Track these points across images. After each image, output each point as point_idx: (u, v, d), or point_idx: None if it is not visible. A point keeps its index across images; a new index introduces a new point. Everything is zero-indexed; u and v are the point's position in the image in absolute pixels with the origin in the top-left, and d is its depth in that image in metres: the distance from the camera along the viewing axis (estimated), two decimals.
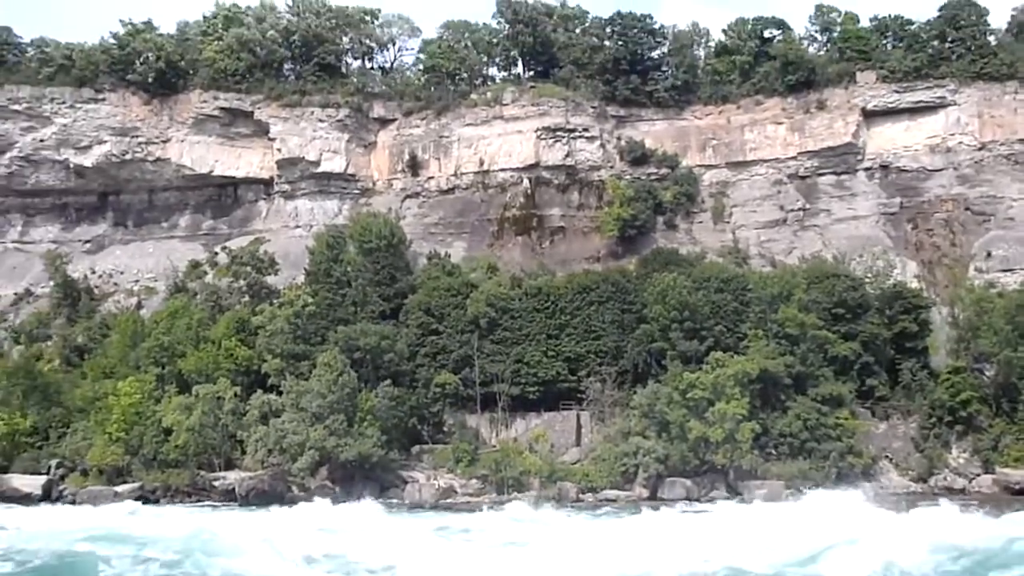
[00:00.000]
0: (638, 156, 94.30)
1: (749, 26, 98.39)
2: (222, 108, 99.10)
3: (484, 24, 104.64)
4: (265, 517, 49.61)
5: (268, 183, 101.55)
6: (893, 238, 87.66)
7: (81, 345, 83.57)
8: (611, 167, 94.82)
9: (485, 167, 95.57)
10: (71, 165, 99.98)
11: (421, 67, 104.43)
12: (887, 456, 64.97)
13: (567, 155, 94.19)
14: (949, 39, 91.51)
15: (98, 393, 70.11)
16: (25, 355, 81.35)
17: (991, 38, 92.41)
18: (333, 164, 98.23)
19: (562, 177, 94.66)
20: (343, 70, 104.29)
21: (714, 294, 69.68)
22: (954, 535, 35.80)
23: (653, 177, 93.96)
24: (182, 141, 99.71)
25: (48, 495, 64.58)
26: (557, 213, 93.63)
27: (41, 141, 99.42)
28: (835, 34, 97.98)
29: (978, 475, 61.90)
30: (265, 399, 66.04)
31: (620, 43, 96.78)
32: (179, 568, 34.88)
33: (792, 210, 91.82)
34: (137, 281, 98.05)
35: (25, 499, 63.04)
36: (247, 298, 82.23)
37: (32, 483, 65.70)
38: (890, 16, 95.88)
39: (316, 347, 69.41)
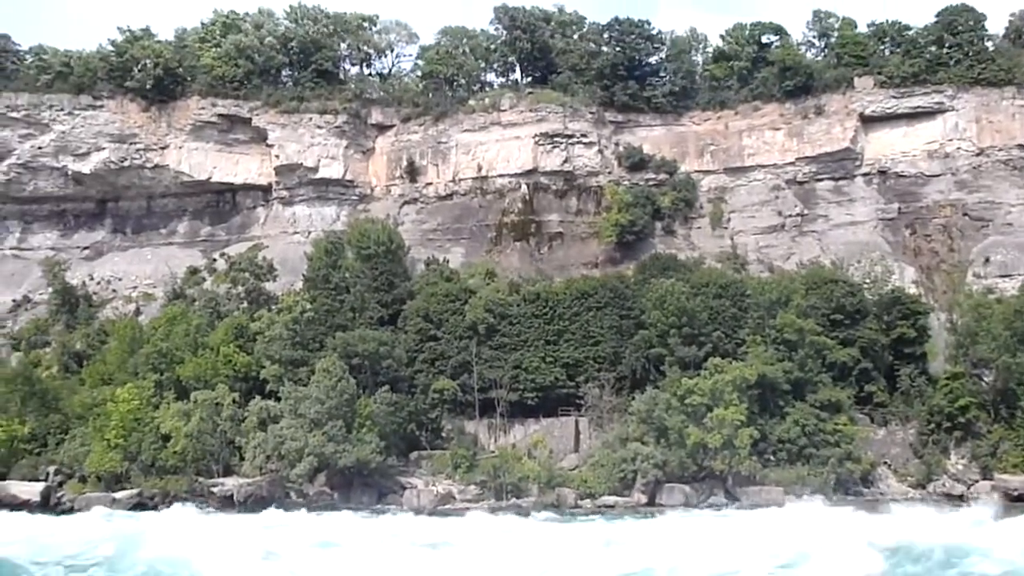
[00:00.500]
0: (636, 162, 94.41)
1: (747, 32, 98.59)
2: (220, 115, 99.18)
3: (482, 30, 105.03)
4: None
5: (266, 189, 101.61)
6: (891, 243, 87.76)
7: (80, 352, 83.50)
8: (609, 173, 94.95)
9: (483, 173, 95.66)
10: (69, 172, 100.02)
11: (419, 73, 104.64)
12: (886, 462, 64.90)
13: (565, 161, 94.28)
14: (947, 44, 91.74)
15: (96, 400, 70.05)
16: (24, 362, 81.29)
17: (989, 44, 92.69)
18: (331, 170, 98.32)
19: (560, 183, 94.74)
20: (341, 76, 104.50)
21: (712, 300, 69.70)
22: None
23: (651, 183, 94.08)
24: (180, 148, 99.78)
25: (47, 502, 64.36)
26: (555, 219, 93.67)
27: (39, 148, 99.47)
28: (833, 39, 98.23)
29: (977, 481, 61.79)
30: (263, 405, 65.98)
31: (618, 49, 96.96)
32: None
33: (790, 215, 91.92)
34: (135, 288, 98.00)
35: (23, 506, 62.84)
36: (245, 304, 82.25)
37: (30, 490, 65.49)
38: (888, 21, 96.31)
39: (314, 353, 69.38)
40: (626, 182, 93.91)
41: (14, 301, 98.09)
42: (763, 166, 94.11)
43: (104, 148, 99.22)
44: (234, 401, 66.32)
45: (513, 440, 68.70)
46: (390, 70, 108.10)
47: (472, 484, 63.67)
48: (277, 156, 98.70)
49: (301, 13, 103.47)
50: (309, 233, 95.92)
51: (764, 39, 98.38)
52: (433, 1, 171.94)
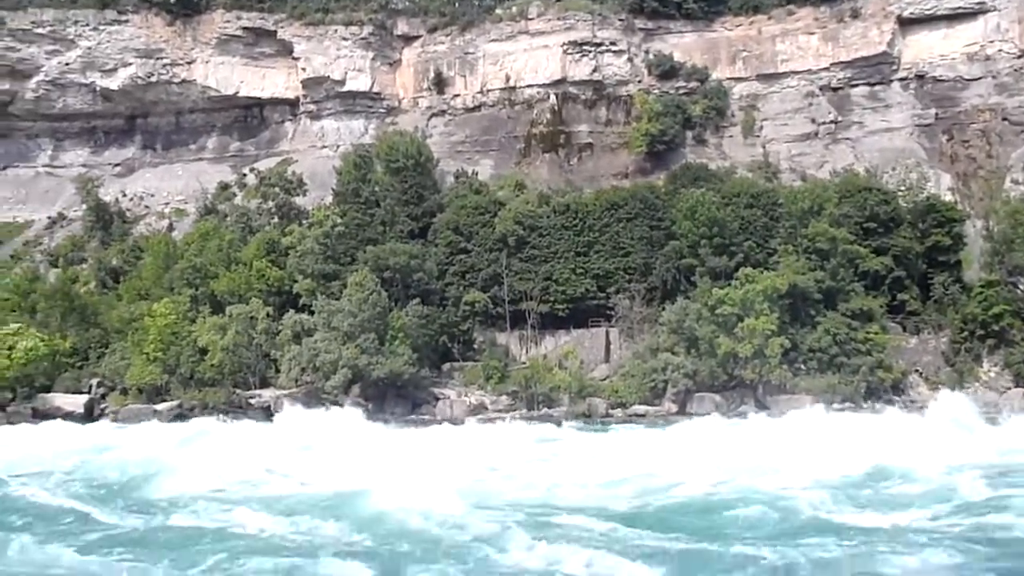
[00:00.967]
0: (667, 70, 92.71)
1: None
2: (245, 28, 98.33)
3: None
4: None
5: (294, 103, 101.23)
6: (928, 150, 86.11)
7: (115, 268, 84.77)
8: (639, 81, 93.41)
9: (511, 83, 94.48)
10: (97, 88, 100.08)
11: None
12: (917, 370, 64.79)
13: (594, 70, 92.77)
14: None
15: (134, 314, 71.31)
16: (62, 278, 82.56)
17: None
18: (358, 83, 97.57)
19: (589, 92, 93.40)
20: None
21: (744, 209, 69.02)
22: None
23: (682, 91, 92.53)
24: (207, 62, 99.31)
25: (90, 413, 66.16)
26: (585, 129, 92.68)
27: (67, 65, 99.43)
28: None
29: (1009, 388, 61.65)
30: (297, 319, 66.86)
31: None
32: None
33: (824, 123, 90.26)
34: (167, 204, 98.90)
35: (68, 417, 64.62)
36: (276, 219, 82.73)
37: (74, 402, 67.34)
38: None
39: (346, 267, 69.94)
40: (656, 91, 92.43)
41: (49, 218, 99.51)
42: (796, 72, 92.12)
43: (131, 64, 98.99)
44: (268, 315, 67.21)
45: (544, 351, 69.30)
46: None
47: (504, 395, 64.53)
48: (303, 69, 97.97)
49: None
50: (337, 147, 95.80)
51: None
52: None
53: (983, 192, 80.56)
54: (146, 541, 24.31)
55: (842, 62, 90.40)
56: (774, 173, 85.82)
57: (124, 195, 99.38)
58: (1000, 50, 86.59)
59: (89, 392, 68.99)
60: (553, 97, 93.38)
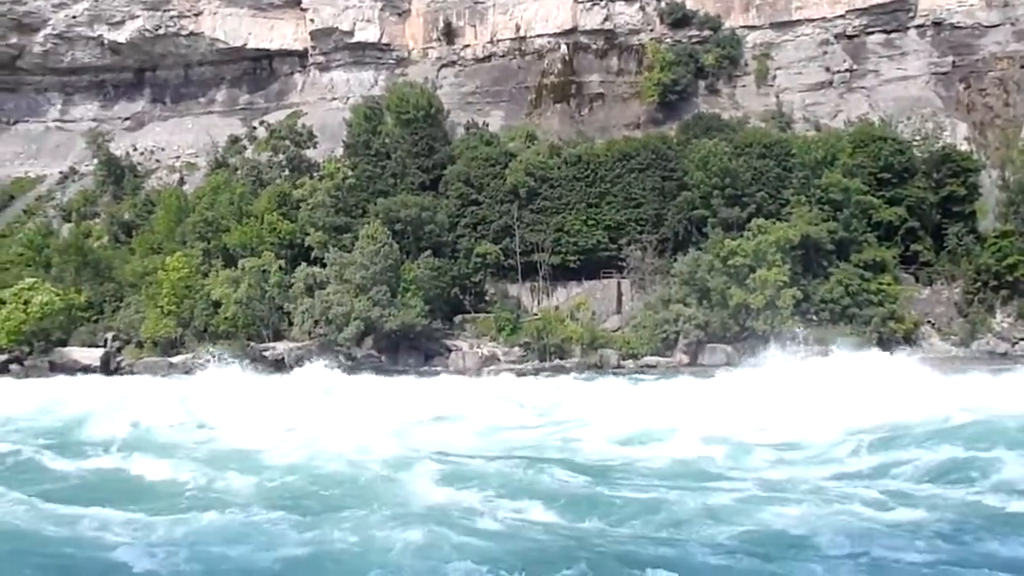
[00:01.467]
0: (679, 18, 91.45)
1: None
2: None
3: None
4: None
5: (303, 55, 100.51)
6: (944, 99, 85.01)
7: (128, 222, 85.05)
8: (651, 30, 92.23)
9: (522, 33, 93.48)
10: (105, 41, 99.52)
11: None
12: (929, 321, 64.71)
13: (605, 19, 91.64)
14: None
15: (147, 268, 71.68)
16: (75, 232, 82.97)
17: None
18: (367, 34, 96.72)
19: (601, 42, 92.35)
20: None
21: (756, 160, 68.52)
22: None
23: (694, 40, 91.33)
24: (214, 14, 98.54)
25: (106, 367, 66.85)
26: (596, 79, 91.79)
27: (74, 18, 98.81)
28: None
29: (1021, 339, 61.63)
30: (309, 271, 67.06)
31: None
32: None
33: (838, 71, 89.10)
34: (178, 157, 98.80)
35: (84, 370, 65.31)
36: (287, 172, 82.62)
37: (91, 355, 67.96)
38: None
39: (357, 219, 69.95)
40: (668, 40, 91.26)
41: (61, 173, 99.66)
42: (811, 20, 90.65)
43: (138, 16, 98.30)
44: (280, 268, 67.41)
45: (556, 303, 69.45)
46: None
47: (516, 346, 64.80)
48: (312, 20, 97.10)
49: None
50: (347, 99, 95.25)
51: None
52: None
53: (999, 141, 79.58)
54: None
55: (858, 9, 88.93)
56: (787, 123, 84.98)
57: (135, 149, 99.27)
58: None
59: (105, 345, 69.59)
60: (564, 47, 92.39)
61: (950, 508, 19.57)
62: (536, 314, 67.77)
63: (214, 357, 55.91)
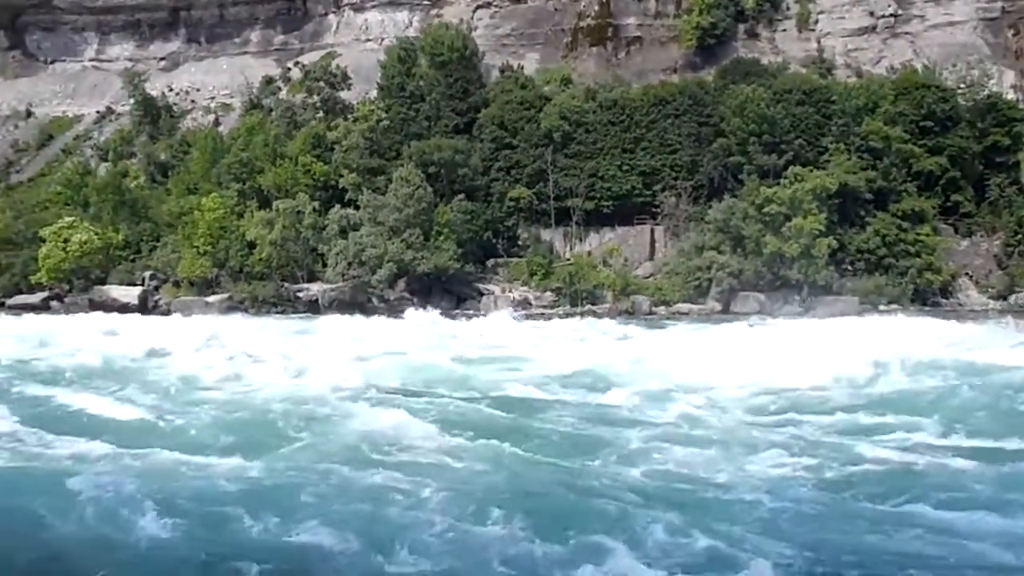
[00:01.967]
0: None
1: None
2: None
3: None
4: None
5: None
6: (991, 45, 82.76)
7: (164, 162, 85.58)
8: None
9: None
10: None
11: None
12: (967, 273, 63.94)
13: None
14: None
15: (183, 208, 72.32)
16: (112, 172, 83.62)
17: None
18: None
19: None
20: None
21: (795, 106, 67.36)
22: None
23: None
24: None
25: (144, 305, 67.84)
26: (633, 22, 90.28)
27: None
28: None
29: None
30: (343, 213, 67.35)
31: None
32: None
33: (883, 16, 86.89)
34: (213, 98, 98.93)
35: (123, 308, 66.31)
36: (321, 114, 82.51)
37: (129, 293, 68.98)
38: None
39: (391, 162, 69.96)
40: None
41: (98, 112, 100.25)
42: None
43: None
44: (314, 210, 67.73)
45: (588, 248, 69.34)
46: None
47: (548, 291, 64.92)
48: None
49: None
50: (382, 40, 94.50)
51: None
52: None
53: None
54: None
55: None
56: (828, 69, 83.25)
57: (170, 89, 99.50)
58: None
59: (143, 284, 70.55)
60: None
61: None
62: (568, 259, 67.74)
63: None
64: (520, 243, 70.05)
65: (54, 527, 15.46)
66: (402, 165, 67.27)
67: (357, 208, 67.44)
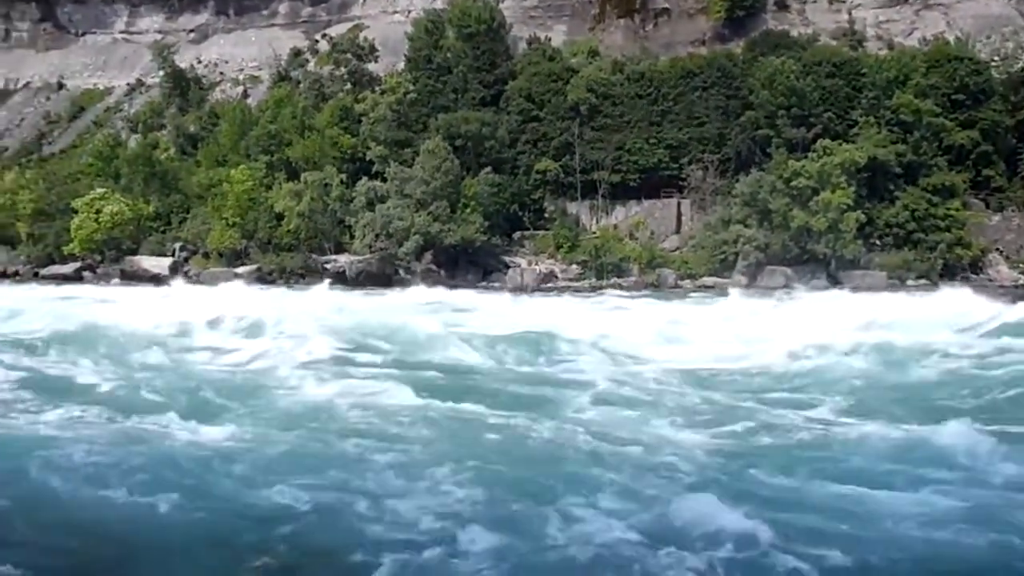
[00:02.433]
0: None
1: None
2: None
3: None
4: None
5: None
6: None
7: (194, 134, 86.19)
8: None
9: None
10: None
11: None
12: (998, 248, 63.30)
13: None
14: None
15: (213, 180, 72.96)
16: (142, 144, 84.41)
17: None
18: None
19: None
20: None
21: (825, 79, 66.73)
22: None
23: None
24: None
25: (174, 275, 68.63)
26: None
27: None
28: None
29: None
30: (370, 185, 67.74)
31: None
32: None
33: None
34: (242, 70, 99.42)
35: (154, 279, 67.18)
36: (349, 86, 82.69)
37: (160, 264, 69.89)
38: None
39: (418, 134, 70.17)
40: None
41: (128, 85, 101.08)
42: None
43: None
44: (342, 182, 68.18)
45: (615, 221, 69.34)
46: None
47: (574, 264, 65.13)
48: None
49: None
50: (409, 12, 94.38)
51: None
52: None
53: None
54: None
55: None
56: (859, 41, 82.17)
57: (199, 61, 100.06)
58: None
59: (173, 255, 71.43)
60: None
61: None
62: (595, 232, 67.80)
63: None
64: (546, 216, 70.18)
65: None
66: (429, 138, 67.46)
67: (384, 180, 67.78)
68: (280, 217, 68.30)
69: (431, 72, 76.20)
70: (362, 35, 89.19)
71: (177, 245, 72.18)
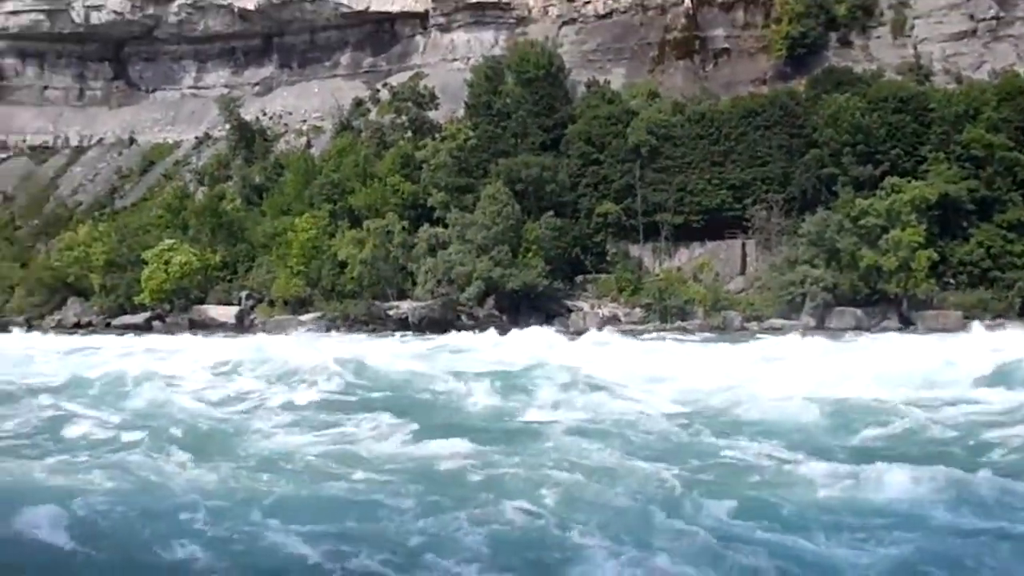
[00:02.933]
0: None
1: None
2: None
3: None
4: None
5: (424, 17, 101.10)
6: None
7: (259, 185, 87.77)
8: None
9: None
10: (235, 9, 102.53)
11: None
12: None
13: None
14: None
15: (277, 229, 74.12)
16: (209, 195, 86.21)
17: None
18: None
19: None
20: None
21: (891, 115, 65.44)
22: None
23: None
24: None
25: (241, 324, 69.62)
26: (721, 34, 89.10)
27: None
28: None
29: None
30: (432, 232, 68.07)
31: None
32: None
33: (983, 19, 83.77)
34: (305, 121, 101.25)
35: (221, 328, 68.16)
36: (409, 133, 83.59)
37: (226, 313, 71.00)
38: None
39: (479, 180, 70.45)
40: None
41: (196, 138, 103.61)
42: None
43: None
44: (404, 228, 68.65)
45: (678, 263, 68.54)
46: None
47: (637, 307, 64.39)
48: None
49: None
50: (468, 59, 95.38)
51: None
52: None
53: None
54: None
55: None
56: (926, 76, 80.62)
57: (264, 114, 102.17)
58: None
59: (239, 304, 72.44)
60: (688, 1, 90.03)
61: None
62: (658, 275, 67.07)
63: None
64: (608, 259, 69.65)
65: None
66: (490, 183, 67.69)
67: (445, 226, 68.06)
68: (343, 264, 68.92)
69: (491, 118, 76.67)
70: (422, 83, 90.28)
71: (243, 294, 73.21)
